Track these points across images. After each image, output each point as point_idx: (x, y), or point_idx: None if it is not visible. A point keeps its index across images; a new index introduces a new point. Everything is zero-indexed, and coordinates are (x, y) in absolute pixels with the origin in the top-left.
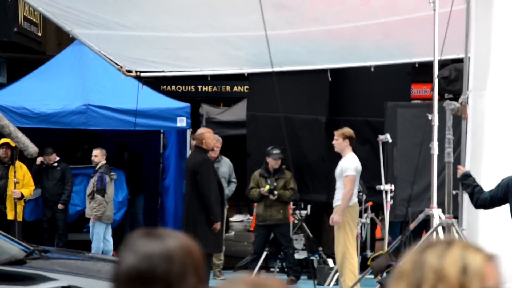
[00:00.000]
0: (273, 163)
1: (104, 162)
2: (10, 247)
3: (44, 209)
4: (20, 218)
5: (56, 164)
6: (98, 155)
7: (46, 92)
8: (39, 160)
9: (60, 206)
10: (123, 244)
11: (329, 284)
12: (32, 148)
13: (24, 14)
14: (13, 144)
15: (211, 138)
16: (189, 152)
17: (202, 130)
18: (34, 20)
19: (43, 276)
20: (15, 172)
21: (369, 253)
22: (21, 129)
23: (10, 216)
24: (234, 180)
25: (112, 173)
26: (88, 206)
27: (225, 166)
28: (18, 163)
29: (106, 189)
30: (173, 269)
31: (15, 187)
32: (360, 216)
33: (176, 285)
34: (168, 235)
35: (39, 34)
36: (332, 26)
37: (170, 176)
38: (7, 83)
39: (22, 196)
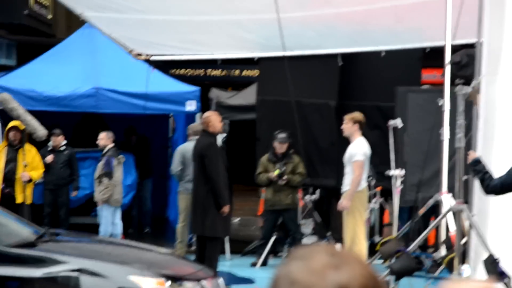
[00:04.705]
0: (278, 146)
1: (111, 145)
2: (21, 230)
3: (46, 192)
4: (29, 201)
5: (63, 148)
6: (104, 138)
7: (55, 75)
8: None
9: (73, 193)
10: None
11: None
12: (41, 131)
13: None
14: (22, 127)
15: (217, 121)
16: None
17: (208, 114)
18: (45, 3)
19: (54, 259)
20: (24, 155)
21: (377, 238)
22: (31, 112)
23: (19, 199)
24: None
25: (120, 156)
26: (96, 189)
27: None
28: (27, 146)
29: (114, 173)
30: None
31: (24, 170)
32: (369, 201)
33: None
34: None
35: (49, 17)
36: (344, 9)
37: None
38: (17, 66)
39: (31, 179)
